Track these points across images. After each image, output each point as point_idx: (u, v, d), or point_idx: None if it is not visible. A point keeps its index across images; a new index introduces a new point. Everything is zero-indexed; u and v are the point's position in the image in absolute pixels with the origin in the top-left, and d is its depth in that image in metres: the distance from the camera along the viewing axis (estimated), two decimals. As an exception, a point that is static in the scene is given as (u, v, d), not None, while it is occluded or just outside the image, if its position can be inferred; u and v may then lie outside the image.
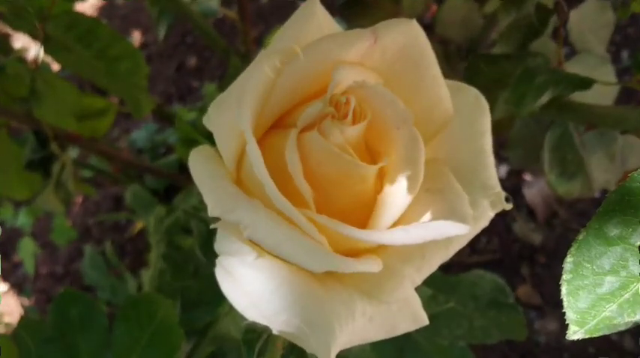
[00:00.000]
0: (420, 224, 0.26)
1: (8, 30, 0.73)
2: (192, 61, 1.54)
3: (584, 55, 0.52)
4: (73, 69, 0.69)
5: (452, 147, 0.30)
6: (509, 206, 0.28)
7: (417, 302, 0.28)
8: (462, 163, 0.29)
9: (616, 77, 0.54)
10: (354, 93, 0.27)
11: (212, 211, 0.25)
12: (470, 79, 0.48)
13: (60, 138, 0.72)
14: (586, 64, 0.51)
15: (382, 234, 0.26)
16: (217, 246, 0.25)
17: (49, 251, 1.36)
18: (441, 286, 0.48)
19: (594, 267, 0.23)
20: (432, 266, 0.27)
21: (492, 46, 0.56)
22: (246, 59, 0.71)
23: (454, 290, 0.48)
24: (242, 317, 0.24)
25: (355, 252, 0.27)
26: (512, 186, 1.13)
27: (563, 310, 0.23)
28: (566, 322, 0.23)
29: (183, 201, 0.79)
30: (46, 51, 0.60)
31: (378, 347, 0.46)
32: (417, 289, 0.28)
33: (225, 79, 1.06)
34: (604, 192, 0.52)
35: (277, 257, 0.24)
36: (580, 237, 0.24)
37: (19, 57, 0.75)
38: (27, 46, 1.04)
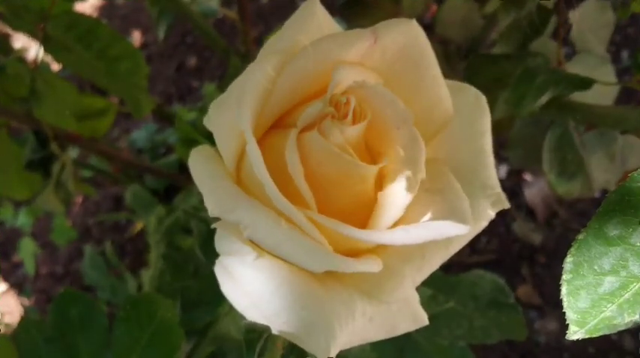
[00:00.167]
0: (420, 224, 0.26)
1: (8, 30, 0.73)
2: (192, 61, 1.54)
3: (584, 55, 0.52)
4: (73, 69, 0.69)
5: (452, 147, 0.30)
6: (507, 205, 0.28)
7: (417, 302, 0.28)
8: (462, 163, 0.29)
9: (616, 77, 0.54)
10: (354, 93, 0.27)
11: (212, 211, 0.25)
12: (470, 79, 0.48)
13: (60, 138, 0.72)
14: (586, 64, 0.51)
15: (382, 234, 0.26)
16: (217, 246, 0.25)
17: (49, 251, 1.36)
18: (441, 286, 0.48)
19: (594, 267, 0.23)
20: (432, 266, 0.27)
21: (492, 46, 0.56)
22: (246, 59, 0.71)
23: (454, 290, 0.48)
24: (242, 317, 0.24)
25: (355, 252, 0.27)
26: (512, 186, 1.13)
27: (563, 310, 0.23)
28: (566, 322, 0.23)
29: (183, 201, 0.80)
30: (46, 51, 0.60)
31: (378, 347, 0.46)
32: (417, 289, 0.28)
33: (225, 79, 1.06)
34: (604, 192, 0.52)
35: (277, 257, 0.24)
36: (580, 237, 0.24)
37: (19, 57, 0.75)
38: (27, 46, 1.04)
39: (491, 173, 0.29)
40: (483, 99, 0.30)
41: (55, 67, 0.91)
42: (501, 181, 0.28)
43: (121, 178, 1.09)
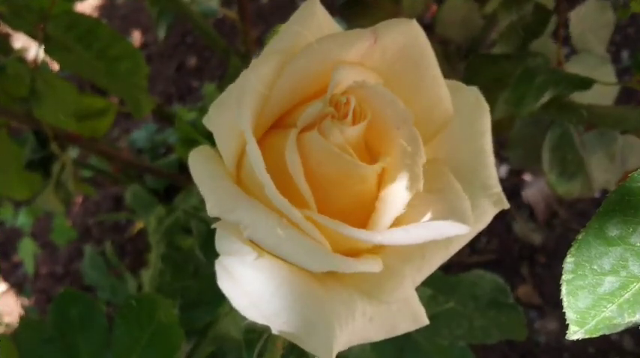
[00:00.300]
0: (420, 224, 0.26)
1: (8, 30, 0.73)
2: (192, 61, 1.54)
3: (584, 55, 0.52)
4: (73, 69, 0.69)
5: (452, 147, 0.30)
6: (507, 205, 0.28)
7: (417, 302, 0.28)
8: (462, 163, 0.29)
9: (616, 77, 0.54)
10: (354, 93, 0.27)
11: (212, 211, 0.25)
12: (470, 79, 0.48)
13: (60, 138, 0.72)
14: (586, 64, 0.51)
15: (382, 234, 0.26)
16: (217, 246, 0.25)
17: (49, 251, 1.36)
18: (441, 286, 0.48)
19: (594, 267, 0.23)
20: (432, 266, 0.27)
21: (492, 46, 0.56)
22: (246, 59, 0.71)
23: (454, 290, 0.48)
24: (242, 317, 0.24)
25: (355, 252, 0.27)
26: (512, 186, 1.13)
27: (563, 310, 0.23)
28: (566, 322, 0.23)
29: (183, 201, 0.80)
30: (46, 51, 0.60)
31: (378, 347, 0.46)
32: (417, 289, 0.28)
33: (225, 79, 1.06)
34: (604, 192, 0.52)
35: (277, 257, 0.24)
36: (580, 237, 0.24)
37: (19, 57, 0.75)
38: (27, 46, 1.04)
39: (492, 173, 0.29)
40: (483, 99, 0.30)
41: (55, 67, 0.91)
42: (501, 181, 0.28)
43: (121, 178, 1.09)
